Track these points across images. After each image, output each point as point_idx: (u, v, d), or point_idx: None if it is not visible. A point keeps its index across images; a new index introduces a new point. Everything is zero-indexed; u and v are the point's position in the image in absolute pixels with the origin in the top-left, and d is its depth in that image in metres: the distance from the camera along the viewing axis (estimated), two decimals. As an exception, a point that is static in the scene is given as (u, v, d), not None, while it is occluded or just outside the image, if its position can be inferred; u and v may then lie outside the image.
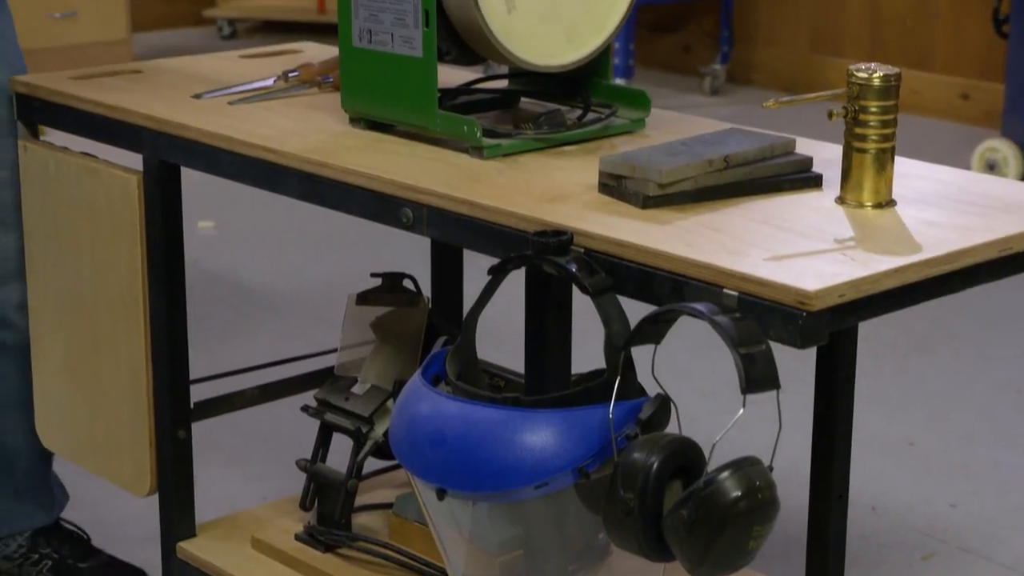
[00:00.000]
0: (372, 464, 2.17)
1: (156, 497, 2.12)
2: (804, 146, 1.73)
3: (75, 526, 2.43)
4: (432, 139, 1.83)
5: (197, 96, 2.04)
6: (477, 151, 1.76)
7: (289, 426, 2.65)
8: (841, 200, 1.61)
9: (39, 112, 2.12)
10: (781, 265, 1.42)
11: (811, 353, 1.57)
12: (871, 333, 3.35)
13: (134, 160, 2.00)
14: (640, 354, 1.47)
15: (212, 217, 4.33)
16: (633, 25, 5.75)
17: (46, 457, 2.34)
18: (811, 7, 5.95)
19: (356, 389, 2.10)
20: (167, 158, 1.96)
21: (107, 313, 2.08)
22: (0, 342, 2.23)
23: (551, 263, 1.48)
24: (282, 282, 3.92)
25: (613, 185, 1.62)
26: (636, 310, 1.46)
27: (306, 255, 4.12)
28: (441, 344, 1.65)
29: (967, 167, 4.62)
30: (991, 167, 4.68)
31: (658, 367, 1.49)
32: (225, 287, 3.87)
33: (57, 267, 2.15)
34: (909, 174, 1.72)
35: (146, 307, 2.03)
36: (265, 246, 4.21)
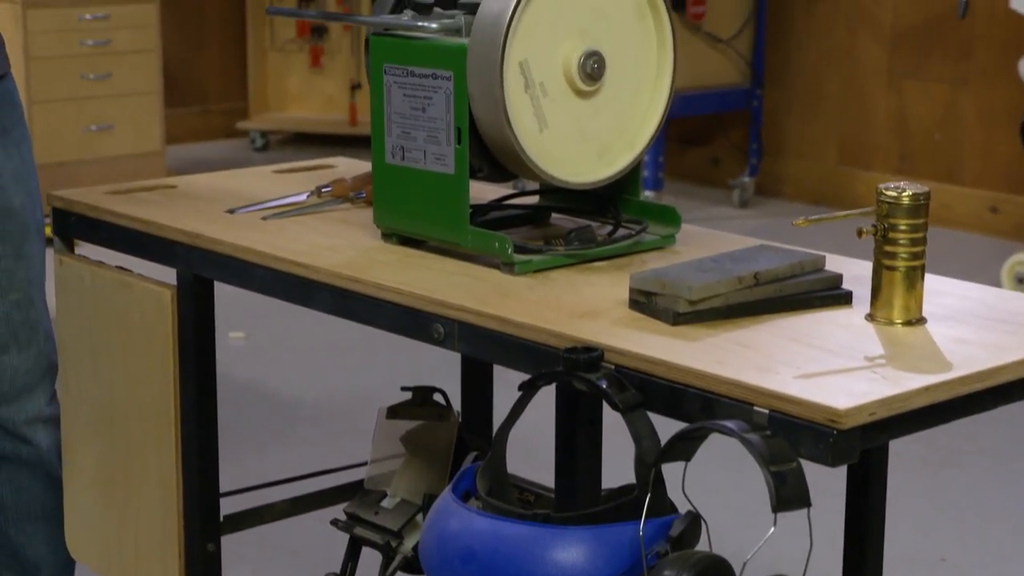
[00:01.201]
0: (401, 578, 2.17)
1: (185, 610, 2.12)
2: (833, 263, 1.74)
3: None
4: (463, 255, 1.84)
5: (231, 211, 2.06)
6: (508, 267, 1.78)
7: (318, 539, 2.64)
8: (871, 317, 1.61)
9: (75, 227, 2.14)
10: (811, 383, 1.42)
11: (842, 468, 1.56)
12: (902, 448, 3.33)
13: (168, 274, 2.02)
14: (671, 470, 1.47)
15: (243, 328, 4.34)
16: (662, 138, 5.79)
17: (69, 570, 2.33)
18: (839, 120, 5.99)
19: (386, 503, 2.10)
20: (201, 272, 1.97)
21: (139, 425, 2.09)
22: (16, 456, 2.24)
23: (581, 380, 1.49)
24: (312, 394, 3.93)
25: (643, 301, 1.63)
26: (666, 426, 1.47)
27: (336, 367, 4.13)
28: (471, 459, 1.65)
29: (997, 280, 4.62)
30: (1020, 280, 4.68)
31: (688, 483, 1.49)
32: (255, 398, 3.87)
33: (90, 379, 2.16)
34: (939, 291, 1.72)
35: (177, 420, 2.03)
36: (295, 357, 4.23)
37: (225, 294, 2.13)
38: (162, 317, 2.02)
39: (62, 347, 2.21)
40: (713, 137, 6.34)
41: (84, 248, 2.18)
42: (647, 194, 5.48)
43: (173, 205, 2.10)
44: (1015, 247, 5.06)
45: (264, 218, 2.04)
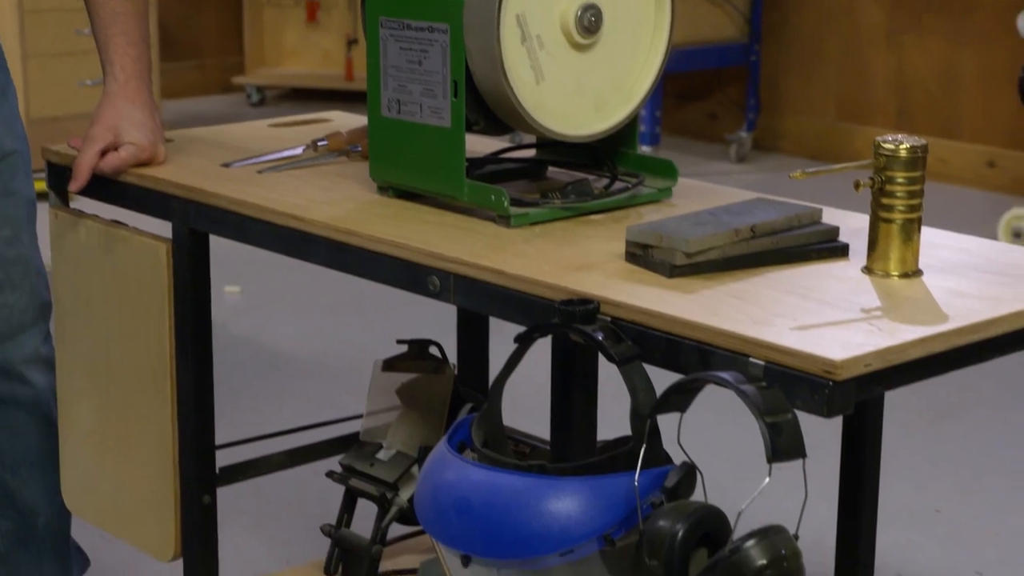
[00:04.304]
0: (397, 530, 2.17)
1: (180, 562, 2.12)
2: (830, 215, 1.74)
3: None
4: (460, 208, 1.84)
5: (227, 165, 2.06)
6: (504, 220, 1.77)
7: (314, 491, 2.66)
8: (867, 270, 1.61)
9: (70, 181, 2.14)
10: (807, 334, 1.42)
11: (837, 421, 1.56)
12: (898, 401, 3.33)
13: (164, 228, 2.02)
14: (666, 421, 1.48)
15: (239, 282, 4.34)
16: (660, 93, 5.77)
17: (66, 517, 2.33)
18: (837, 76, 5.97)
19: (381, 455, 2.10)
20: (196, 226, 1.97)
21: (135, 379, 2.10)
22: (12, 397, 2.23)
23: (578, 332, 1.49)
24: (308, 347, 3.93)
25: (640, 254, 1.63)
26: (662, 378, 1.47)
27: (332, 320, 4.13)
28: (467, 411, 1.65)
29: (994, 235, 4.62)
30: (1017, 235, 4.68)
31: (684, 435, 1.50)
32: (251, 352, 3.88)
33: (86, 333, 2.16)
34: (936, 244, 1.72)
35: (173, 373, 2.04)
36: (291, 311, 4.23)
37: (221, 248, 2.12)
38: (158, 271, 2.02)
39: (58, 301, 2.21)
40: (711, 93, 6.33)
41: (79, 202, 2.18)
42: (644, 149, 5.47)
43: (169, 158, 2.09)
44: (1012, 202, 5.05)
45: (260, 172, 2.03)
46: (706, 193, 1.93)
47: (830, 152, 5.91)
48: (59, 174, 2.15)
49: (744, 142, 6.01)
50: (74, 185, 2.04)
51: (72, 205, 2.19)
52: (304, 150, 2.11)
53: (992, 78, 5.51)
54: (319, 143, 2.12)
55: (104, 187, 2.08)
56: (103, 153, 2.03)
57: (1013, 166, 5.45)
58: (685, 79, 6.23)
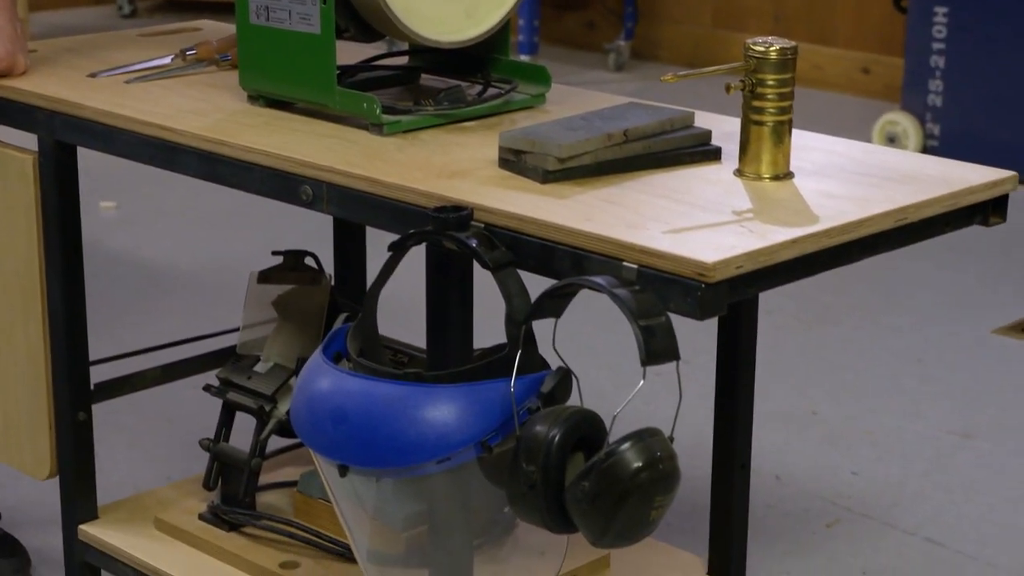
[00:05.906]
0: (276, 442, 2.16)
1: (57, 480, 2.10)
2: (703, 119, 1.74)
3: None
4: (332, 116, 1.82)
5: (93, 75, 2.02)
6: (377, 128, 1.76)
7: (192, 406, 2.63)
8: (739, 173, 1.62)
9: (-69, 92, 2.09)
10: (680, 237, 1.42)
11: (715, 326, 1.57)
12: (774, 306, 3.38)
13: (30, 140, 1.97)
14: (543, 328, 1.48)
15: (114, 197, 4.28)
16: (538, 2, 5.74)
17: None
18: (713, -17, 5.98)
19: (259, 368, 2.09)
20: (62, 138, 1.93)
21: (4, 295, 2.06)
22: None
23: (451, 239, 1.48)
24: (185, 262, 3.89)
25: (513, 160, 1.62)
26: (538, 285, 1.47)
27: (209, 235, 4.09)
28: (342, 321, 1.64)
29: (868, 140, 4.66)
30: (891, 140, 4.73)
31: (562, 342, 1.50)
32: (127, 267, 3.83)
33: (-47, 249, 2.12)
34: (807, 146, 1.73)
35: (43, 288, 2.00)
36: (168, 226, 4.18)
37: (95, 164, 2.09)
38: (24, 184, 1.98)
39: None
40: (589, 1, 6.30)
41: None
42: (523, 58, 5.44)
43: (34, 69, 2.04)
44: (886, 107, 5.10)
45: (127, 82, 1.99)
46: (580, 99, 1.92)
47: (707, 59, 5.92)
48: (-80, 87, 2.09)
49: (622, 51, 6.01)
50: None
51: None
52: (172, 59, 2.07)
53: (866, -16, 5.55)
54: (188, 52, 2.08)
55: (-33, 100, 2.03)
56: None
57: (886, 72, 5.50)
58: (563, -13, 6.21)
